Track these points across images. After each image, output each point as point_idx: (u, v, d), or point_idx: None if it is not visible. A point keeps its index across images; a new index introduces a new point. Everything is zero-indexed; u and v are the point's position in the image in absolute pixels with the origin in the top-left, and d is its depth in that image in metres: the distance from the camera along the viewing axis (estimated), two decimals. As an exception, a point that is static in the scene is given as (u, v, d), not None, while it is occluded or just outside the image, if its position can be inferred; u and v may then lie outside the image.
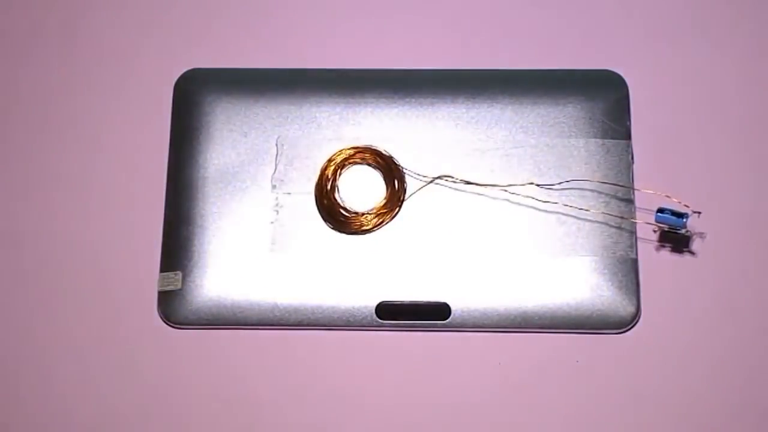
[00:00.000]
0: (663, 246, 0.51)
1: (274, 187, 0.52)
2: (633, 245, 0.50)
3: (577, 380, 0.50)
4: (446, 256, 0.51)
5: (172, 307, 0.51)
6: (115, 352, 0.51)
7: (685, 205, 0.48)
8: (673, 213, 0.48)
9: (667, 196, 0.48)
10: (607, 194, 0.51)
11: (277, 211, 0.52)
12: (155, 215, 0.52)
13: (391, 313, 0.50)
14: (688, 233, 0.49)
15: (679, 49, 0.55)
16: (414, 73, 0.54)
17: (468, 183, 0.52)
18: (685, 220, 0.48)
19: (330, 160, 0.52)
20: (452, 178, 0.52)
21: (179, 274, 0.51)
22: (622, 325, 0.50)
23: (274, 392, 0.50)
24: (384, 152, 0.52)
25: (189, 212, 0.52)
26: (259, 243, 0.51)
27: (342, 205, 0.52)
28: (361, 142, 0.53)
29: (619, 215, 0.51)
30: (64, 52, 0.57)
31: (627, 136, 0.52)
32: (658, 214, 0.48)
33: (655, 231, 0.50)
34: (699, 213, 0.48)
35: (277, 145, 0.53)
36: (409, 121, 0.53)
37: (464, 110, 0.53)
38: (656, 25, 0.56)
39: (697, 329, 0.50)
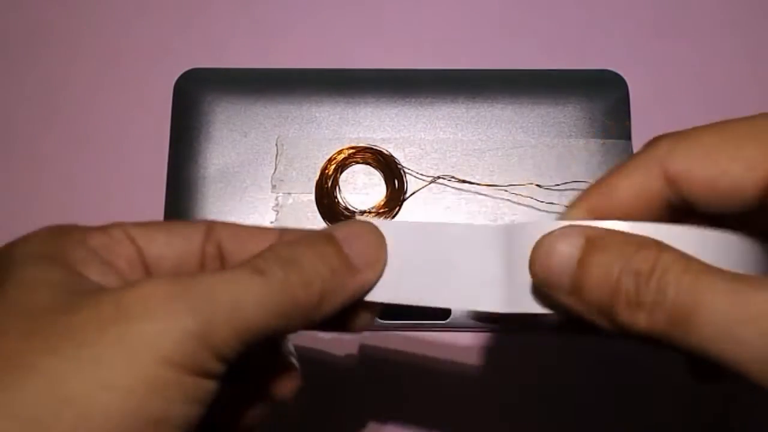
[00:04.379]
0: (663, 246, 0.51)
1: (274, 187, 0.52)
2: (633, 245, 0.50)
3: (578, 380, 0.50)
4: (446, 256, 0.51)
5: (172, 307, 0.51)
6: (115, 352, 0.51)
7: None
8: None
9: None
10: (607, 195, 0.51)
11: (277, 211, 0.52)
12: (155, 215, 0.52)
13: (391, 313, 0.50)
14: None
15: (679, 49, 0.55)
16: (414, 73, 0.54)
17: (468, 183, 0.52)
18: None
19: (330, 160, 0.53)
20: (452, 178, 0.52)
21: (179, 274, 0.51)
22: (622, 325, 0.50)
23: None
24: (384, 152, 0.53)
25: (189, 212, 0.52)
26: (259, 243, 0.51)
27: (342, 204, 0.52)
28: (361, 142, 0.53)
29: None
30: (63, 52, 0.56)
31: (627, 136, 0.52)
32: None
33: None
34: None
35: (277, 145, 0.53)
36: (409, 121, 0.53)
37: (464, 110, 0.53)
38: (656, 25, 0.56)
39: (697, 329, 0.50)
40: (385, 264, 0.34)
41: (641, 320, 0.29)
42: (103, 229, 0.33)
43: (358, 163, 0.53)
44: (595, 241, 0.30)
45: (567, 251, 0.30)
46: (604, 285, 0.29)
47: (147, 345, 0.27)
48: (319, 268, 0.32)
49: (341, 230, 0.34)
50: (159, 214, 0.52)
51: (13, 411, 0.26)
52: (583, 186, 0.51)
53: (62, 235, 0.32)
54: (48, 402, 0.26)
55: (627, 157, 0.51)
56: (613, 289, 0.29)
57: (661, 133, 0.55)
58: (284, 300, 0.31)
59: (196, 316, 0.28)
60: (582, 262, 0.30)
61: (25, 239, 0.32)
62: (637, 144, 0.53)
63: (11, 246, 0.31)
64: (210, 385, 0.29)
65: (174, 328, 0.28)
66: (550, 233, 0.31)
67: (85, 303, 0.28)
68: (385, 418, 0.50)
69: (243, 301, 0.30)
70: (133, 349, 0.27)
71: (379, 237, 0.34)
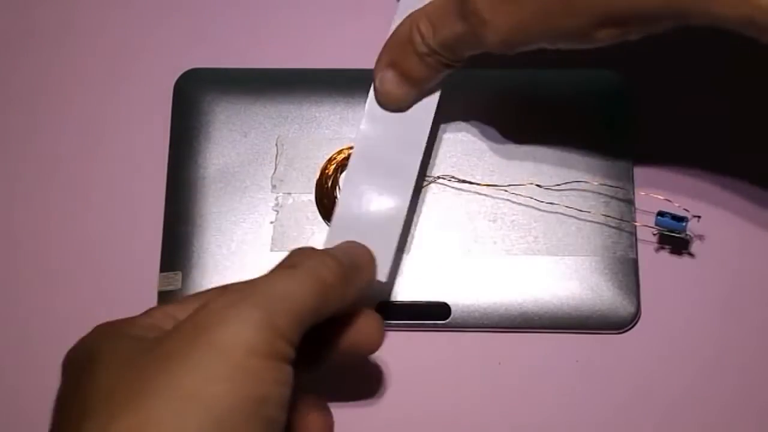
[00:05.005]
0: (663, 247, 0.51)
1: (274, 187, 0.52)
2: (633, 246, 0.50)
3: (577, 380, 0.50)
4: (446, 256, 0.51)
5: (172, 307, 0.51)
6: (115, 352, 0.51)
7: (685, 209, 0.48)
8: (673, 217, 0.48)
9: (668, 201, 0.48)
10: (607, 195, 0.51)
11: (277, 211, 0.52)
12: (155, 215, 0.52)
13: (391, 313, 0.50)
14: (688, 236, 0.49)
15: (679, 48, 0.55)
16: (414, 72, 0.54)
17: (468, 183, 0.52)
18: (684, 224, 0.48)
19: (330, 160, 0.52)
20: (452, 178, 0.52)
21: (179, 274, 0.51)
22: (622, 325, 0.50)
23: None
24: (384, 152, 0.52)
25: (189, 212, 0.52)
26: (259, 243, 0.51)
27: (342, 204, 0.52)
28: (361, 142, 0.53)
29: (620, 217, 0.51)
30: (63, 52, 0.56)
31: (628, 135, 0.52)
32: (658, 217, 0.48)
33: (654, 234, 0.50)
34: (699, 217, 0.48)
35: (277, 145, 0.53)
36: (409, 121, 0.53)
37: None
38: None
39: (697, 329, 0.50)
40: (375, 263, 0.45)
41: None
42: (146, 313, 0.39)
43: (358, 162, 0.53)
44: (390, 59, 0.48)
45: (389, 79, 0.48)
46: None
47: (233, 343, 0.34)
48: (339, 258, 0.40)
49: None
50: (159, 213, 0.52)
51: (152, 422, 0.32)
52: (584, 186, 0.51)
53: (114, 330, 0.38)
54: (174, 405, 0.32)
55: (628, 158, 0.52)
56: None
57: (660, 133, 0.55)
58: (318, 280, 0.38)
59: (260, 311, 0.35)
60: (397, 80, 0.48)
61: (82, 342, 0.38)
62: (637, 144, 0.52)
63: (73, 352, 0.38)
64: (288, 368, 0.35)
65: (248, 325, 0.34)
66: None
67: (167, 336, 0.35)
68: (384, 418, 0.50)
69: (290, 290, 0.36)
70: (223, 348, 0.33)
71: (363, 247, 0.45)
